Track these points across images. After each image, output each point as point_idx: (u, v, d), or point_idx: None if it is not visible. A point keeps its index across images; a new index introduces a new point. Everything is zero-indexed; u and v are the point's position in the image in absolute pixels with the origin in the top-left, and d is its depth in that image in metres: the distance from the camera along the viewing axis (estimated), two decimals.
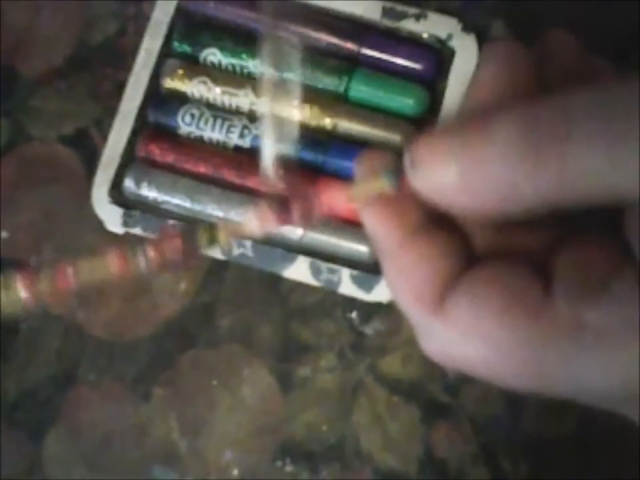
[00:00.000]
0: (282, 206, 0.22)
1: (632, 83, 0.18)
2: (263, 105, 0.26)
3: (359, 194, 0.21)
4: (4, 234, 0.45)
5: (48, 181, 0.46)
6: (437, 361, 0.21)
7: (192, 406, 0.42)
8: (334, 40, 0.43)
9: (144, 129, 0.44)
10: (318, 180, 0.41)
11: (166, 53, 0.45)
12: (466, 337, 0.20)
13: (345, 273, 0.41)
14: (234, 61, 0.44)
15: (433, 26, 0.43)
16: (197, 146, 0.43)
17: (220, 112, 0.43)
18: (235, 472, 0.41)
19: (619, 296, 0.19)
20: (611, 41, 0.41)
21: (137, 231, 0.42)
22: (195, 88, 0.44)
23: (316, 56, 0.43)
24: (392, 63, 0.43)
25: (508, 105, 0.19)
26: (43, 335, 0.44)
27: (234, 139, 0.43)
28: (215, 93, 0.44)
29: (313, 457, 0.41)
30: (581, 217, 0.21)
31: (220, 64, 0.44)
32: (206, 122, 0.43)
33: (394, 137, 0.41)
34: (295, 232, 0.41)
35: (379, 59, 0.43)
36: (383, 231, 0.21)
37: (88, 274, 0.22)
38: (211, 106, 0.44)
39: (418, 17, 0.43)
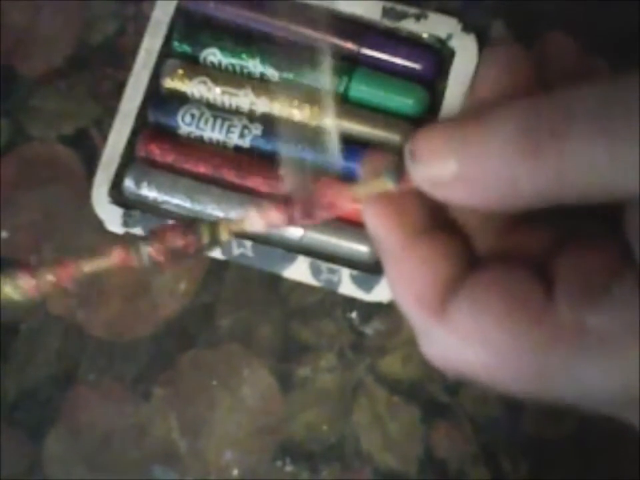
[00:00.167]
0: (284, 203, 0.22)
1: (632, 79, 0.18)
2: (327, 120, 0.26)
3: (361, 192, 0.21)
4: (4, 234, 0.45)
5: (48, 181, 0.46)
6: (437, 366, 0.21)
7: (192, 406, 0.42)
8: (334, 40, 0.43)
9: (144, 128, 0.44)
10: (318, 180, 0.41)
11: (166, 53, 0.45)
12: (467, 342, 0.20)
13: (345, 273, 0.41)
14: (234, 60, 0.44)
15: (433, 26, 0.43)
16: (197, 146, 0.43)
17: (220, 112, 0.43)
18: (235, 472, 0.41)
19: (620, 299, 0.19)
20: (611, 40, 0.41)
21: (137, 231, 0.42)
22: (195, 88, 0.44)
23: (316, 56, 0.43)
24: (392, 62, 0.43)
25: (509, 101, 0.19)
26: (43, 334, 0.44)
27: (234, 139, 0.43)
28: (215, 93, 0.44)
29: (313, 457, 0.41)
30: (581, 220, 0.21)
31: (220, 64, 0.44)
32: (206, 122, 0.43)
33: (394, 137, 0.41)
34: (295, 232, 0.41)
35: (378, 58, 0.43)
36: (385, 233, 0.21)
37: (89, 264, 0.22)
38: (211, 106, 0.44)
39: (418, 17, 0.43)
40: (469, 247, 0.22)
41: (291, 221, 0.22)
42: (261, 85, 0.43)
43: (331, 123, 0.24)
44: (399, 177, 0.20)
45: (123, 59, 0.46)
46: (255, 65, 0.44)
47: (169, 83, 0.44)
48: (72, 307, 0.44)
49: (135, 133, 0.44)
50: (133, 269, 0.22)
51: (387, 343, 0.42)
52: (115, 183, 0.43)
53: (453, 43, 0.43)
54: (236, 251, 0.42)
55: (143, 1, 0.47)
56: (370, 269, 0.41)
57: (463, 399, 0.41)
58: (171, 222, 0.22)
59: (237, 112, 0.43)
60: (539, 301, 0.19)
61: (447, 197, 0.19)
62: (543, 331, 0.19)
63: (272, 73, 0.44)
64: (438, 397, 0.41)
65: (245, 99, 0.43)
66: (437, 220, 0.21)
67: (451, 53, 0.43)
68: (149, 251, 0.21)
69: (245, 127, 0.43)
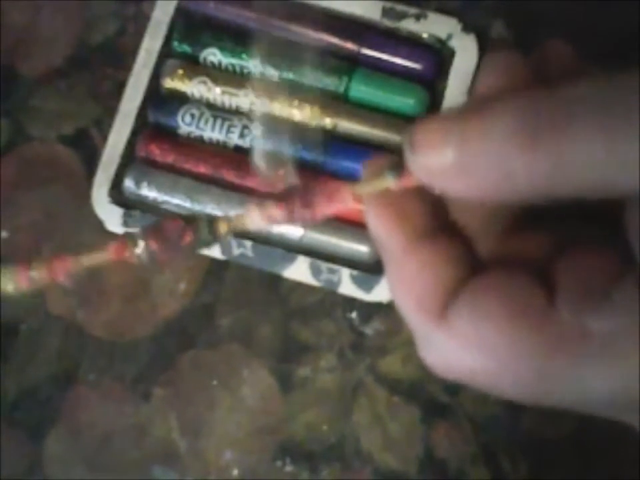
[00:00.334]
0: (284, 200, 0.22)
1: (632, 77, 0.18)
2: (256, 103, 0.26)
3: (362, 190, 0.21)
4: (4, 234, 0.45)
5: (48, 180, 0.46)
6: (436, 372, 0.21)
7: (192, 406, 0.42)
8: (334, 40, 0.43)
9: (144, 128, 0.44)
10: (318, 180, 0.41)
11: (166, 53, 0.45)
12: (467, 348, 0.20)
13: (345, 273, 0.41)
14: (234, 60, 0.44)
15: (433, 26, 0.43)
16: (197, 146, 0.43)
17: (220, 112, 0.43)
18: (235, 472, 0.41)
19: (621, 304, 0.19)
20: (611, 41, 0.41)
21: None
22: (195, 88, 0.44)
23: (316, 56, 0.43)
24: (392, 62, 0.43)
25: (508, 94, 0.19)
26: (43, 335, 0.44)
27: (234, 139, 0.43)
28: (215, 93, 0.44)
29: (313, 457, 0.41)
30: (581, 224, 0.21)
31: (220, 64, 0.44)
32: (206, 122, 0.43)
33: (394, 137, 0.41)
34: (295, 232, 0.41)
35: (378, 59, 0.43)
36: (387, 235, 0.21)
37: (86, 258, 0.21)
38: (211, 106, 0.44)
39: (418, 17, 0.43)
40: (470, 251, 0.22)
41: (291, 217, 0.22)
42: (261, 84, 0.44)
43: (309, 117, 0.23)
44: (400, 174, 0.20)
45: (123, 59, 0.46)
46: (255, 65, 0.44)
47: (169, 83, 0.44)
48: (72, 307, 0.44)
49: (134, 133, 0.44)
50: (133, 267, 0.22)
51: (386, 343, 0.42)
52: (115, 183, 0.43)
53: (453, 43, 0.43)
54: (236, 251, 0.42)
55: (143, 0, 0.47)
56: (370, 269, 0.41)
57: (463, 399, 0.41)
58: (169, 216, 0.22)
59: (237, 112, 0.43)
60: (540, 307, 0.19)
61: (443, 188, 0.19)
62: (544, 336, 0.19)
63: (272, 73, 0.44)
64: (438, 396, 0.41)
65: (245, 99, 0.43)
66: (438, 223, 0.21)
67: (451, 53, 0.43)
68: (146, 245, 0.21)
69: (244, 126, 0.43)
